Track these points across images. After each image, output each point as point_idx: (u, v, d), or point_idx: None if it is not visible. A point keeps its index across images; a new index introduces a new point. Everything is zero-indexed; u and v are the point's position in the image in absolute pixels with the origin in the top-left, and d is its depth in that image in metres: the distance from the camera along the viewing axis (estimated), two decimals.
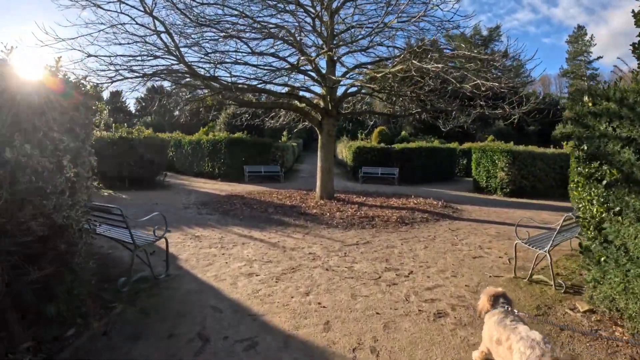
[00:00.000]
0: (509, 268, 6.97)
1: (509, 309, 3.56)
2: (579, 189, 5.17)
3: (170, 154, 23.50)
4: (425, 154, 22.83)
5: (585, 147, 4.95)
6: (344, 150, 26.96)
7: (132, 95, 79.54)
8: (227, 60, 12.59)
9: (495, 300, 3.71)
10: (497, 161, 18.14)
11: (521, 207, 14.77)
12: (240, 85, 12.46)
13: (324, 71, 13.75)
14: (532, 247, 6.39)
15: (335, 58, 14.04)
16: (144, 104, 59.97)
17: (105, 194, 15.31)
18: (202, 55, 12.27)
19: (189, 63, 11.16)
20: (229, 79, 12.26)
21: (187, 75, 11.75)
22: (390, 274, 6.43)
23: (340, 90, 14.45)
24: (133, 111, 62.00)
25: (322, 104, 14.12)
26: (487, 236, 9.54)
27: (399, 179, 21.80)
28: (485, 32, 50.88)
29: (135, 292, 5.39)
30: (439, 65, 9.25)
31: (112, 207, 5.51)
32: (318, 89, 15.09)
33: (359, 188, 19.09)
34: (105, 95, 56.03)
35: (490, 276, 6.57)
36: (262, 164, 21.73)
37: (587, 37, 60.55)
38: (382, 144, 23.82)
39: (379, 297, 5.39)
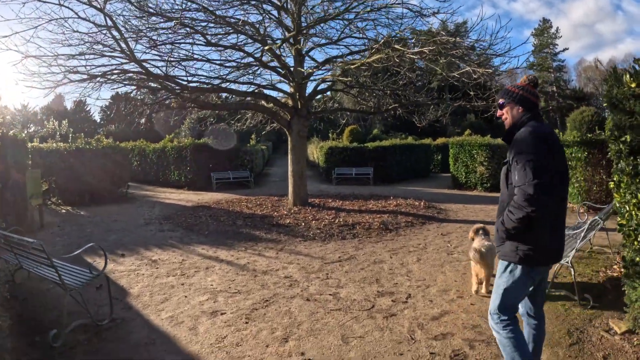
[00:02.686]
0: None
1: (484, 235, 5.76)
2: (621, 190, 4.12)
3: (135, 164, 22.12)
4: (400, 151, 21.92)
5: (629, 138, 3.92)
6: (315, 151, 25.88)
7: (96, 103, 76.41)
8: (182, 55, 11.28)
9: (477, 232, 5.85)
10: (475, 155, 17.36)
11: None
12: (198, 85, 11.14)
13: (291, 67, 12.60)
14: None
15: (304, 52, 12.89)
16: (108, 112, 57.43)
17: (63, 211, 13.91)
18: (156, 52, 10.93)
19: (141, 61, 9.79)
20: (187, 78, 10.96)
21: (142, 77, 10.41)
22: (385, 300, 5.29)
23: (310, 88, 13.32)
24: (98, 120, 59.21)
25: (291, 102, 12.96)
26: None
27: (374, 178, 20.82)
28: (452, 27, 50.56)
29: (70, 346, 4.13)
30: (425, 50, 8.20)
31: (31, 241, 4.19)
32: (286, 87, 13.90)
33: (334, 191, 17.99)
34: (69, 105, 53.48)
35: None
36: (230, 169, 20.46)
37: (553, 30, 61.01)
38: (355, 143, 22.81)
39: (377, 337, 4.24)
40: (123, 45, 9.23)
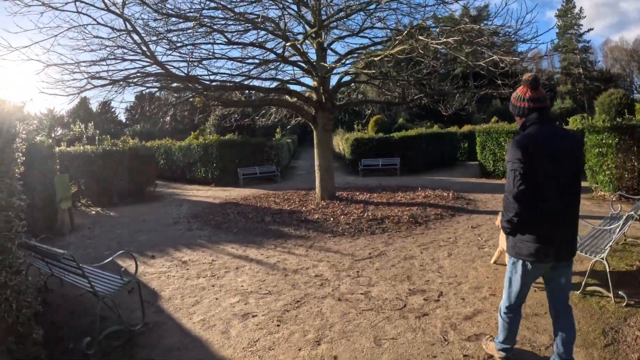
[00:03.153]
0: None
1: None
2: None
3: (161, 162, 22.49)
4: (426, 140, 21.70)
5: None
6: (341, 142, 25.79)
7: (120, 105, 77.47)
8: (203, 55, 11.35)
9: None
10: (503, 143, 17.01)
11: None
12: (221, 84, 11.21)
13: (314, 61, 12.56)
14: (583, 252, 5.26)
15: (326, 45, 12.82)
16: (133, 112, 58.21)
17: (93, 212, 14.27)
18: (178, 54, 11.02)
19: (163, 63, 9.91)
20: (209, 78, 11.04)
21: (164, 78, 10.53)
22: (417, 298, 5.26)
23: (333, 81, 13.26)
24: (124, 120, 60.18)
25: (314, 96, 12.91)
26: None
27: (401, 168, 20.66)
28: (474, 12, 49.47)
29: (104, 352, 4.23)
30: (450, 40, 8.05)
31: (61, 252, 4.30)
32: (309, 82, 13.84)
33: (361, 182, 17.94)
34: (94, 107, 54.36)
35: (535, 290, 5.43)
36: (256, 164, 20.57)
37: (576, 10, 59.08)
38: (381, 134, 22.66)
39: (410, 339, 4.22)
40: (144, 48, 9.33)
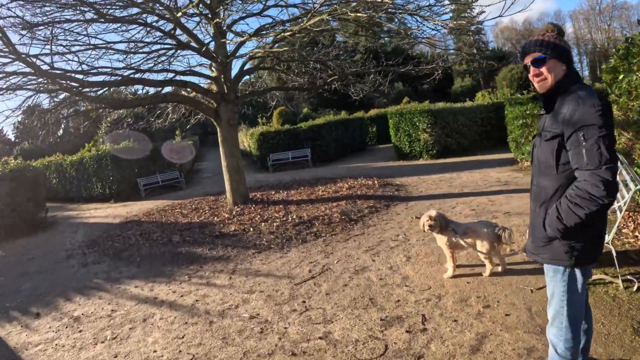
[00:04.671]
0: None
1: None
2: None
3: (54, 181, 19.42)
4: (336, 127, 20.62)
5: None
6: (245, 139, 23.99)
7: (7, 121, 67.58)
8: (79, 42, 9.09)
9: (442, 223, 4.72)
10: (417, 123, 16.36)
11: (460, 168, 13.05)
12: (102, 79, 9.02)
13: (209, 44, 10.76)
14: None
15: (225, 26, 11.02)
16: (21, 127, 50.86)
17: None
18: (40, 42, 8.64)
19: (23, 55, 7.51)
20: (81, 70, 8.81)
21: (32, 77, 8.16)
22: (397, 331, 3.82)
23: (235, 68, 11.54)
24: (13, 139, 52.34)
25: (215, 88, 11.08)
26: (467, 218, 7.34)
27: (313, 159, 19.40)
28: None
29: None
30: (362, 14, 6.73)
31: None
32: (208, 72, 11.92)
33: (273, 179, 16.34)
34: None
35: (532, 290, 4.28)
36: (158, 172, 18.22)
37: None
38: (287, 126, 21.15)
39: None
40: None
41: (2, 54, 7.34)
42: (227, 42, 10.16)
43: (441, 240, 4.80)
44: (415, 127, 16.52)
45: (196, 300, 5.33)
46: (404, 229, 7.23)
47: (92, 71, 9.05)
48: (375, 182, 11.96)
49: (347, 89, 13.12)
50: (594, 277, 4.23)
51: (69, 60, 8.82)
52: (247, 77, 13.45)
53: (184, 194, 16.10)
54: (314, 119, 23.36)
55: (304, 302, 4.77)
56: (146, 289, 6.15)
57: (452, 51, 63.32)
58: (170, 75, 10.92)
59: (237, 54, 10.96)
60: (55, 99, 10.46)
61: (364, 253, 6.20)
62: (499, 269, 4.78)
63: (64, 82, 8.19)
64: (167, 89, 11.31)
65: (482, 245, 4.62)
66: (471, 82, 44.79)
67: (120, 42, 9.99)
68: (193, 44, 10.54)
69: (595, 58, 62.56)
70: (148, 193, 17.56)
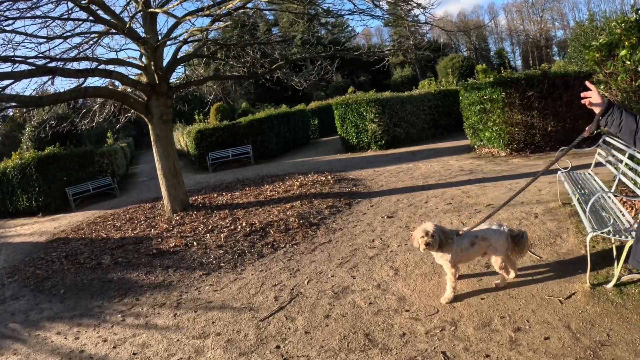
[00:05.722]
0: (564, 272, 3.89)
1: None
2: None
3: None
4: (278, 122, 19.33)
5: None
6: (182, 137, 22.26)
7: None
8: None
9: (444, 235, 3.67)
10: (365, 113, 15.46)
11: (415, 158, 12.30)
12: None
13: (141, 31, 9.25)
14: (605, 233, 3.46)
15: (154, 6, 9.49)
16: None
17: None
18: None
19: None
20: None
21: None
22: None
23: (167, 56, 10.06)
24: None
25: (145, 79, 9.55)
26: (447, 214, 6.41)
27: (255, 156, 18.06)
28: None
29: None
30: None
31: None
32: (134, 60, 10.32)
33: (214, 180, 14.89)
34: None
35: (561, 301, 3.38)
36: (88, 179, 16.20)
37: None
38: (226, 122, 19.61)
39: None
40: None
41: None
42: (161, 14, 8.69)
43: (443, 257, 3.75)
44: (362, 117, 15.63)
45: (133, 354, 3.95)
46: (377, 231, 6.18)
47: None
48: (329, 177, 10.90)
49: (290, 78, 12.02)
50: (627, 276, 3.45)
51: None
52: (180, 69, 11.95)
53: (118, 202, 14.41)
54: (254, 114, 21.96)
55: (278, 347, 3.55)
56: (70, 336, 4.68)
57: (388, 43, 63.83)
58: (94, 65, 9.26)
59: (172, 36, 9.46)
60: None
61: (339, 267, 5.06)
62: (512, 275, 3.85)
63: None
64: (88, 81, 9.65)
65: (496, 257, 3.67)
66: (411, 72, 45.07)
67: (23, 17, 8.16)
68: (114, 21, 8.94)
69: (528, 48, 65.44)
70: (78, 203, 15.58)
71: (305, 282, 4.78)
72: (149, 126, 9.70)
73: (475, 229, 3.74)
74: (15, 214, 15.94)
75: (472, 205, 6.65)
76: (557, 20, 63.52)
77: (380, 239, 5.84)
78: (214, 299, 4.89)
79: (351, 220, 7.06)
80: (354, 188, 9.52)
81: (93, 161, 16.98)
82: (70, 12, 8.55)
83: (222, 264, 5.96)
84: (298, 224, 7.16)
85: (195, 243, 7.06)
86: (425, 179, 9.29)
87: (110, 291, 5.88)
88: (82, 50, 9.85)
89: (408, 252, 5.14)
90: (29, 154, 16.44)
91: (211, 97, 14.38)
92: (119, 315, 4.98)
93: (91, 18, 8.42)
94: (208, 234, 7.42)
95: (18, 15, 8.07)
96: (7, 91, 7.72)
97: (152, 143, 9.75)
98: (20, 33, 7.86)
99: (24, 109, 9.08)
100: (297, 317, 4.01)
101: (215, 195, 11.36)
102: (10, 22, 7.98)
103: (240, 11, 7.62)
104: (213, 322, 4.27)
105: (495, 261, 3.69)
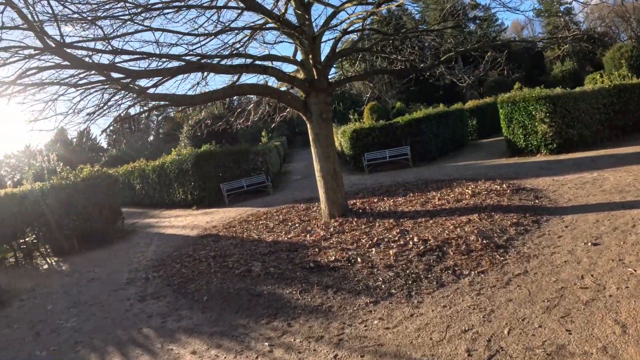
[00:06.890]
0: None
1: None
2: None
3: (138, 187, 19.44)
4: (436, 122, 18.16)
5: None
6: (337, 137, 22.34)
7: (103, 130, 71.50)
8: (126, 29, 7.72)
9: None
10: (534, 112, 13.79)
11: (597, 166, 10.45)
12: (155, 68, 7.45)
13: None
14: None
15: None
16: (114, 136, 53.23)
17: (45, 266, 10.64)
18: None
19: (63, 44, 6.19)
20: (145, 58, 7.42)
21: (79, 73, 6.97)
22: None
23: (324, 51, 9.83)
24: (105, 146, 55.12)
25: (302, 75, 9.37)
26: None
27: (412, 158, 17.17)
28: None
29: None
30: None
31: None
32: (288, 55, 10.27)
33: (370, 182, 14.45)
34: (70, 135, 49.48)
35: None
36: (242, 176, 17.05)
37: None
38: (382, 121, 19.08)
39: None
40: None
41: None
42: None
43: None
44: (531, 116, 13.96)
45: None
46: (583, 264, 5.02)
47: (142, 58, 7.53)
48: (504, 186, 9.73)
49: (452, 73, 11.18)
50: None
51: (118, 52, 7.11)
52: (342, 59, 11.60)
53: (271, 200, 14.76)
54: (409, 114, 21.13)
55: None
56: (207, 359, 4.46)
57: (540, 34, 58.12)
58: (249, 61, 9.34)
59: (330, 25, 9.12)
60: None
61: (546, 314, 4.06)
62: None
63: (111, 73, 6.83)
64: (243, 78, 9.80)
65: None
66: (572, 66, 40.06)
67: (182, 32, 8.30)
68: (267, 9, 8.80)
69: None
70: (232, 199, 16.48)
71: (506, 332, 3.88)
72: (308, 125, 9.50)
73: None
74: (172, 205, 17.48)
75: None
76: None
77: (591, 275, 4.70)
78: (385, 340, 4.18)
79: (545, 244, 5.94)
80: (536, 201, 8.25)
81: (248, 159, 17.73)
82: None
83: (393, 291, 5.27)
84: (481, 245, 6.25)
85: (359, 259, 6.52)
86: (620, 194, 7.67)
87: (259, 308, 5.54)
88: (235, 48, 9.95)
89: (633, 300, 3.99)
90: (186, 151, 17.86)
91: (367, 95, 13.98)
92: (266, 344, 4.54)
93: (242, 5, 8.34)
94: (373, 249, 6.86)
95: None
96: (159, 90, 7.88)
97: (311, 143, 9.52)
98: (171, 31, 7.95)
99: (180, 109, 9.53)
100: None
101: (375, 200, 10.86)
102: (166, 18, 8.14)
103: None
104: None
105: None
